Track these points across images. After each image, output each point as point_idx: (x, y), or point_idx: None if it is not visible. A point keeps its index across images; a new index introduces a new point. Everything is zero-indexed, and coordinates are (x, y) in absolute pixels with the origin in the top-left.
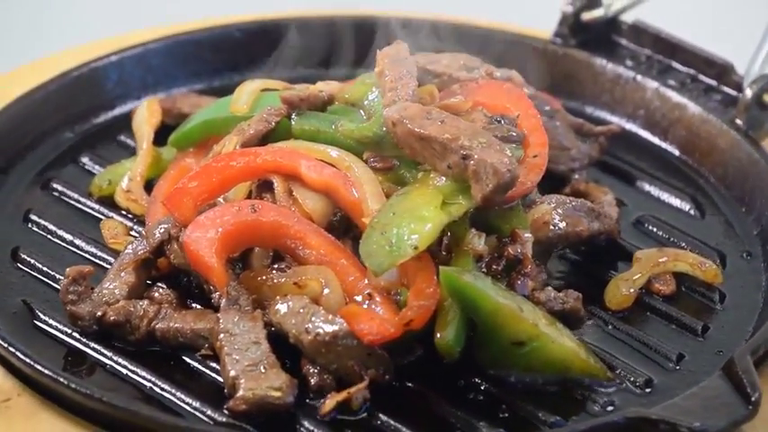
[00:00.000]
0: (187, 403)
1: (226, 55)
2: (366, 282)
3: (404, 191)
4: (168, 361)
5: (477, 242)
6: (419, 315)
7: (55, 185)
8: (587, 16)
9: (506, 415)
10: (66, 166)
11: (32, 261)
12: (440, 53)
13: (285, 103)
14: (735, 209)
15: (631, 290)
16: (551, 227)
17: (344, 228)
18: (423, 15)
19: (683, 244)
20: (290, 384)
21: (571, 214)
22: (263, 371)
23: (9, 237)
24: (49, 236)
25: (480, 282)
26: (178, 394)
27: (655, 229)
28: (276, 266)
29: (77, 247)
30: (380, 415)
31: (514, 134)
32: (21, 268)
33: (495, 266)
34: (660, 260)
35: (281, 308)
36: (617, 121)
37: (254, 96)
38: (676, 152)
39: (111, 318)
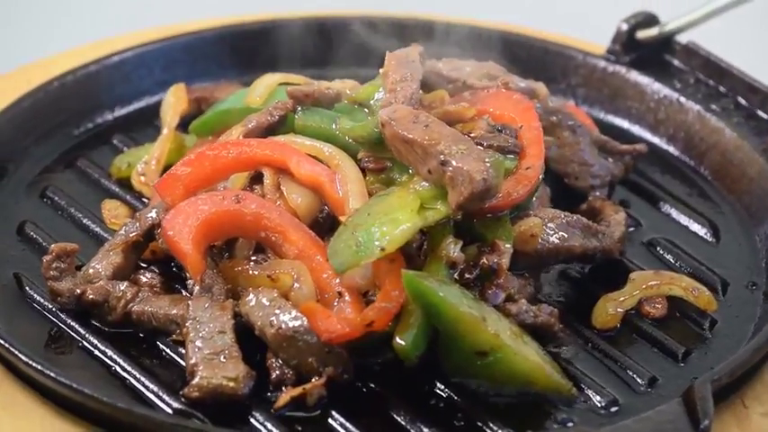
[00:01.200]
0: (147, 387)
1: (234, 54)
2: (338, 280)
3: (385, 192)
4: (141, 344)
5: (452, 249)
6: (380, 317)
7: (79, 164)
8: (642, 35)
9: (462, 423)
10: (97, 148)
11: (35, 236)
12: (466, 60)
13: (291, 98)
14: (752, 238)
15: (618, 310)
16: (540, 240)
17: (330, 225)
18: (464, 20)
19: (689, 269)
20: (246, 376)
21: (564, 230)
22: (222, 360)
23: (21, 211)
24: (59, 212)
25: (444, 288)
26: (141, 377)
27: (664, 252)
28: (255, 258)
29: (83, 225)
30: (335, 414)
31: (512, 145)
32: (23, 242)
33: (467, 275)
34: (653, 282)
35: (251, 299)
36: (657, 141)
37: (270, 89)
38: (708, 177)
39: (90, 297)
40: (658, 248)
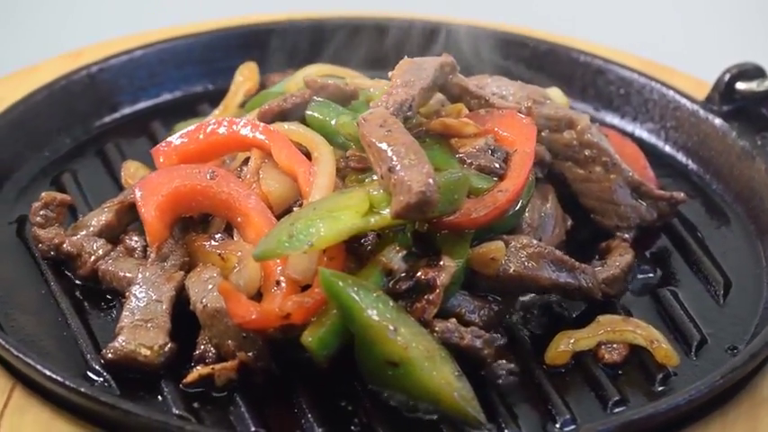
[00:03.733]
0: (79, 342)
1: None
2: (281, 269)
3: (344, 191)
4: (106, 302)
5: (392, 257)
6: (296, 310)
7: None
8: (742, 86)
9: (358, 429)
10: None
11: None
12: (513, 81)
13: (308, 88)
14: (757, 306)
15: (569, 346)
16: (502, 265)
17: None
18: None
19: (674, 322)
20: (163, 347)
21: (534, 260)
22: (147, 328)
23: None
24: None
25: (360, 293)
26: (80, 331)
27: (661, 303)
28: (219, 236)
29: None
30: (238, 399)
31: (494, 167)
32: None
33: (400, 285)
34: (615, 327)
35: (193, 275)
36: (728, 197)
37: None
38: (757, 242)
39: (66, 248)
40: (659, 298)
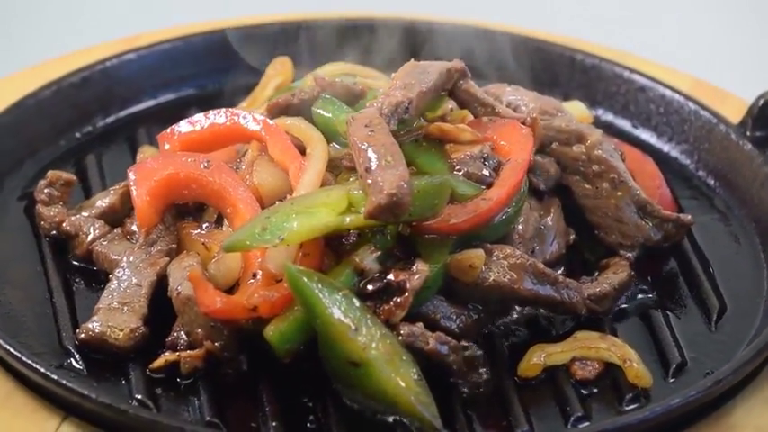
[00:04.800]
0: (59, 321)
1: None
2: (260, 261)
3: (326, 188)
4: (97, 283)
5: (365, 257)
6: (263, 303)
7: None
8: None
9: (313, 426)
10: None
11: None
12: (529, 91)
13: (317, 85)
14: (746, 334)
15: (541, 360)
16: (481, 274)
17: None
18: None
19: (658, 343)
20: (134, 331)
21: (514, 270)
22: (122, 311)
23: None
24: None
25: (325, 290)
26: (63, 309)
27: (650, 323)
28: (205, 224)
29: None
30: (201, 388)
31: (485, 175)
32: None
33: (369, 285)
34: (590, 344)
35: (175, 261)
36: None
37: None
38: (764, 271)
39: (65, 227)
40: (650, 319)
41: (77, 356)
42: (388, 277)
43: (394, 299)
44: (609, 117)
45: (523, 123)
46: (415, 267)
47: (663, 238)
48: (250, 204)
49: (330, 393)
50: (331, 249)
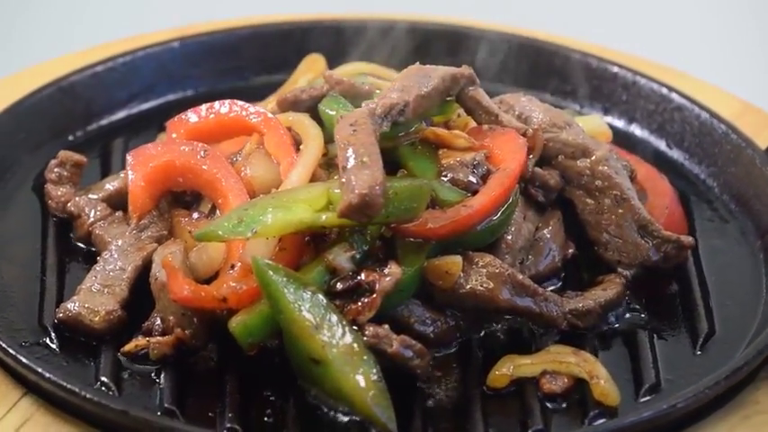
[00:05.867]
0: (44, 300)
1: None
2: (241, 252)
3: (311, 184)
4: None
5: (338, 256)
6: (231, 294)
7: None
8: None
9: (270, 420)
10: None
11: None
12: (541, 104)
13: (326, 82)
14: (729, 360)
15: (510, 371)
16: (458, 281)
17: None
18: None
19: (637, 362)
20: (110, 314)
21: (492, 279)
22: (103, 293)
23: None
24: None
25: (290, 285)
26: (51, 288)
27: (634, 342)
28: (195, 214)
29: None
30: (167, 375)
31: (472, 182)
32: None
33: (340, 285)
34: (560, 358)
35: (161, 248)
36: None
37: (347, 75)
38: (761, 300)
39: (69, 208)
40: (635, 338)
41: (53, 335)
42: (359, 277)
43: (362, 299)
44: (645, 134)
45: (524, 134)
46: (387, 269)
47: (662, 259)
48: (239, 196)
49: (294, 390)
50: (314, 246)
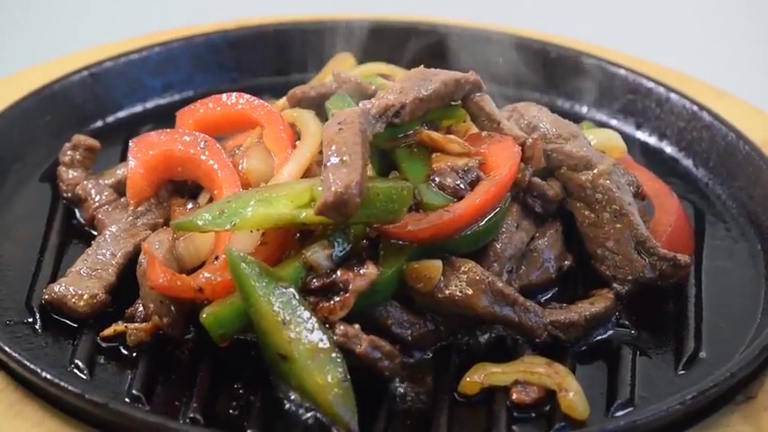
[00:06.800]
0: (37, 280)
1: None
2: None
3: (294, 180)
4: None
5: (315, 253)
6: (206, 285)
7: None
8: None
9: (235, 413)
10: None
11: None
12: (551, 114)
13: (335, 81)
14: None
15: (481, 378)
16: (437, 285)
17: None
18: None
19: (614, 377)
20: (94, 298)
21: (472, 285)
22: (90, 277)
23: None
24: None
25: (262, 280)
26: (46, 269)
27: (615, 359)
28: (190, 204)
29: None
30: (141, 361)
31: (460, 187)
32: None
33: (316, 282)
34: (532, 368)
35: (152, 235)
36: None
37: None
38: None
39: (78, 191)
40: (618, 354)
41: (38, 316)
42: (335, 276)
43: (336, 298)
44: (674, 152)
45: (523, 143)
46: (364, 270)
47: (658, 277)
48: (233, 188)
49: (265, 385)
50: (300, 242)
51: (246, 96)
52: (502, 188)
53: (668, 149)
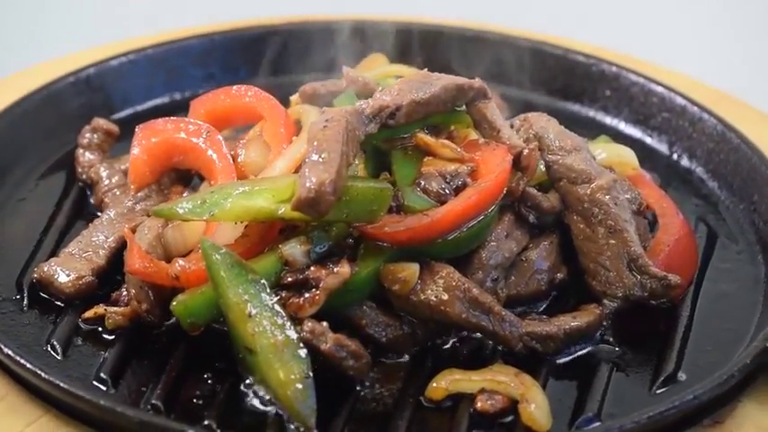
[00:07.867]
0: (34, 258)
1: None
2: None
3: (279, 175)
4: None
5: (294, 248)
6: (181, 273)
7: None
8: None
9: (198, 403)
10: None
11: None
12: (557, 125)
13: (345, 79)
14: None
15: (447, 384)
16: (413, 289)
17: None
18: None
19: (585, 393)
20: (80, 280)
21: (448, 291)
22: (80, 258)
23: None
24: None
25: (233, 271)
26: (46, 248)
27: (589, 373)
28: (186, 192)
29: None
30: (116, 345)
31: (444, 192)
32: None
33: (289, 278)
34: (498, 378)
35: (145, 221)
36: None
37: (374, 75)
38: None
39: (91, 173)
40: (595, 369)
41: (26, 294)
42: (308, 272)
43: (306, 294)
44: (701, 172)
45: (519, 153)
46: (338, 268)
47: (648, 296)
48: (228, 179)
49: (233, 375)
50: (285, 237)
51: (255, 89)
52: (486, 196)
53: (699, 170)
